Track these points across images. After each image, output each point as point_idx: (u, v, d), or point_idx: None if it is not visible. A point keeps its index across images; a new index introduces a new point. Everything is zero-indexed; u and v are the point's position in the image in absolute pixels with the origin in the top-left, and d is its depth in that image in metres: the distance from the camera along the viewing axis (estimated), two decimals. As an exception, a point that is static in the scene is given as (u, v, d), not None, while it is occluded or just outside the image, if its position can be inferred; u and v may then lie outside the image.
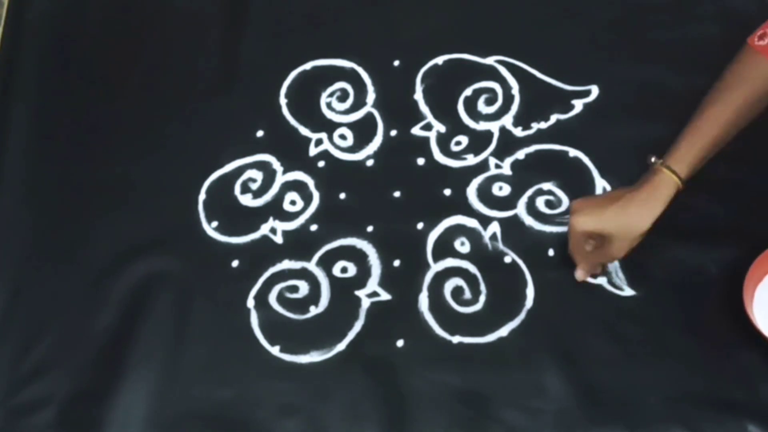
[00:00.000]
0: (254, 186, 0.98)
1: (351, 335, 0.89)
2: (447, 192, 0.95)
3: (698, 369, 0.84)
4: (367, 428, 0.85)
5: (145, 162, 1.00)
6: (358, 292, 0.91)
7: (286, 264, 0.93)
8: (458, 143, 0.98)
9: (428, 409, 0.85)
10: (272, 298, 0.91)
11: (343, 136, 1.00)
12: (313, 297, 0.91)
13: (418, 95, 1.01)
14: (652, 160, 0.83)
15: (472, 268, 0.91)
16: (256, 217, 0.96)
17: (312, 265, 0.92)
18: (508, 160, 0.96)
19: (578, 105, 0.98)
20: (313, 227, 0.95)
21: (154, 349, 0.89)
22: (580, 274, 0.87)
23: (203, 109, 1.03)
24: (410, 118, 1.00)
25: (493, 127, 0.98)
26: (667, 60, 0.98)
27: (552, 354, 0.86)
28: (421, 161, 0.97)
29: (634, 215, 0.81)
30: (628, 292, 0.88)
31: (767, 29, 0.82)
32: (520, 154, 0.96)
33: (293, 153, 0.99)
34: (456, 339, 0.87)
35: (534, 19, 1.04)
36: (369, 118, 1.00)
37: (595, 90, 0.98)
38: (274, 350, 0.89)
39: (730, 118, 0.82)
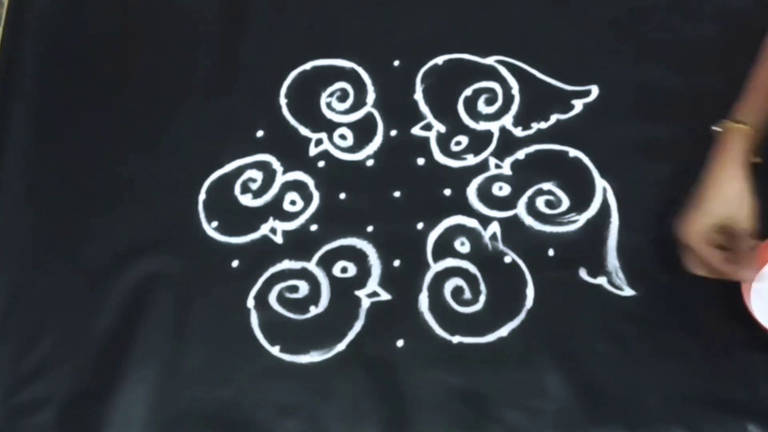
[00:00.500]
0: (254, 186, 0.98)
1: (351, 335, 0.89)
2: (447, 192, 0.95)
3: (698, 369, 0.84)
4: (367, 428, 0.85)
5: (145, 162, 1.00)
6: (358, 292, 0.91)
7: (286, 264, 0.93)
8: (458, 143, 0.98)
9: (428, 409, 0.85)
10: (272, 298, 0.91)
11: (343, 136, 1.00)
12: (313, 297, 0.91)
13: (418, 95, 1.01)
14: (716, 128, 0.82)
15: (472, 268, 0.91)
16: (256, 217, 0.96)
17: (312, 265, 0.92)
18: (508, 160, 0.96)
19: (578, 105, 0.98)
20: (313, 227, 0.95)
21: (154, 349, 0.89)
22: (744, 276, 0.79)
23: (203, 109, 1.03)
24: (410, 118, 1.00)
25: (493, 127, 0.98)
26: (667, 60, 0.98)
27: (552, 354, 0.86)
28: (421, 161, 0.97)
29: (726, 185, 0.79)
30: (628, 292, 0.88)
31: None
32: (520, 154, 0.96)
33: (293, 153, 0.99)
34: (456, 339, 0.87)
35: (534, 19, 1.04)
36: (369, 118, 1.00)
37: (595, 90, 0.98)
38: (274, 350, 0.89)
39: None
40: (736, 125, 0.81)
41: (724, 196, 0.79)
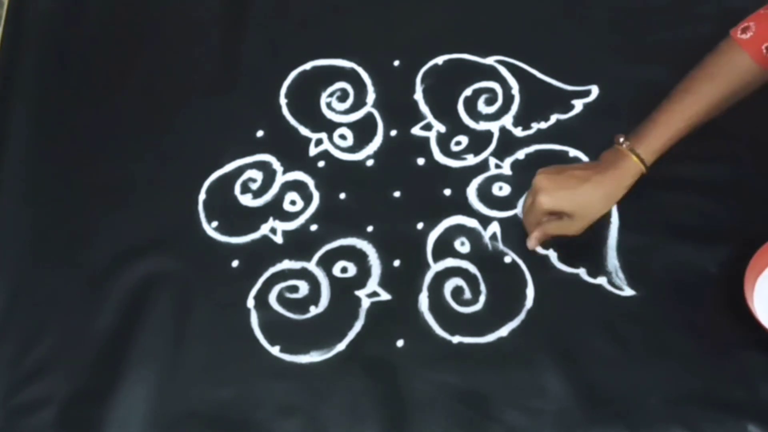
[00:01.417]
0: (254, 186, 0.98)
1: (351, 335, 0.89)
2: (447, 192, 0.95)
3: (698, 369, 0.84)
4: (367, 428, 0.85)
5: (145, 162, 1.00)
6: (358, 292, 0.91)
7: (286, 264, 0.93)
8: (458, 143, 0.98)
9: (428, 409, 0.85)
10: (272, 298, 0.91)
11: (343, 136, 1.00)
12: (313, 297, 0.91)
13: (418, 95, 1.01)
14: (621, 140, 0.85)
15: (472, 268, 0.91)
16: (256, 217, 0.96)
17: (312, 265, 0.92)
18: (508, 160, 0.96)
19: (578, 105, 0.98)
20: (313, 227, 0.95)
21: (154, 349, 0.89)
22: (533, 243, 0.88)
23: (203, 109, 1.03)
24: (410, 118, 1.00)
25: (493, 127, 0.98)
26: (667, 60, 0.98)
27: (552, 354, 0.86)
28: (421, 161, 0.97)
29: (598, 200, 0.84)
30: (628, 292, 0.88)
31: (750, 23, 0.83)
32: (520, 154, 0.96)
33: (293, 153, 0.99)
34: (456, 339, 0.87)
35: (534, 19, 1.04)
36: (369, 118, 1.00)
37: (595, 90, 0.98)
38: (274, 350, 0.89)
39: (702, 109, 0.83)
40: (636, 161, 0.84)
41: (591, 209, 0.85)
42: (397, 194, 0.96)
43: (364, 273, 0.92)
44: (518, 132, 0.97)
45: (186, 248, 0.94)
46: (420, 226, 0.93)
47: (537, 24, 1.03)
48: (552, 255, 0.90)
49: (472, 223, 0.93)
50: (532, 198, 0.85)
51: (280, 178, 0.98)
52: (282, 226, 0.95)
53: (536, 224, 0.87)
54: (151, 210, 0.97)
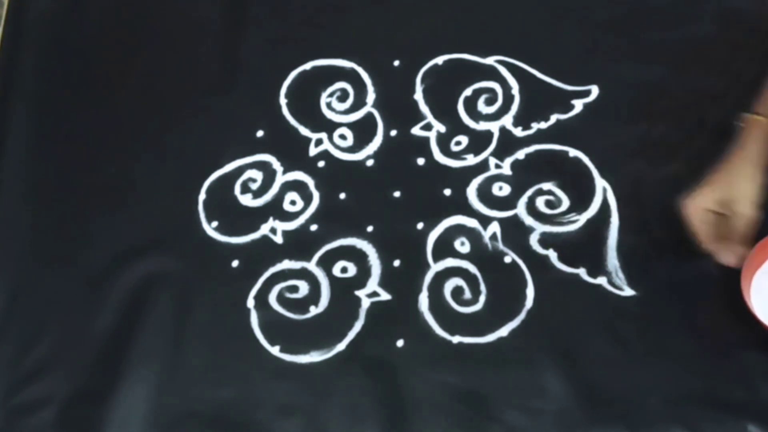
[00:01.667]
0: (254, 186, 0.98)
1: (351, 335, 0.89)
2: (447, 192, 0.95)
3: (698, 369, 0.84)
4: (367, 428, 0.85)
5: (145, 162, 1.00)
6: (358, 292, 0.91)
7: (286, 264, 0.93)
8: (458, 143, 0.98)
9: (428, 409, 0.85)
10: (272, 298, 0.91)
11: (343, 136, 1.00)
12: (313, 297, 0.91)
13: (418, 95, 1.01)
14: (738, 122, 0.84)
15: (472, 268, 0.91)
16: (256, 217, 0.96)
17: (312, 265, 0.93)
18: (508, 160, 0.96)
19: (578, 105, 0.98)
20: (313, 227, 0.95)
21: (154, 349, 0.89)
22: (727, 258, 0.82)
23: (203, 109, 1.03)
24: (410, 118, 1.00)
25: (493, 127, 0.98)
26: (667, 60, 0.98)
27: (552, 354, 0.86)
28: (421, 161, 0.97)
29: (737, 167, 0.83)
30: (628, 292, 0.88)
31: None
32: (520, 154, 0.96)
33: (293, 153, 0.99)
34: (456, 339, 0.87)
35: (534, 19, 1.04)
36: (369, 118, 1.00)
37: (595, 90, 0.98)
38: (274, 350, 0.89)
39: None
40: (758, 117, 0.83)
41: (731, 178, 0.82)
42: (397, 194, 0.96)
43: (364, 273, 0.92)
44: (518, 132, 0.97)
45: (186, 248, 0.94)
46: (420, 226, 0.93)
47: (537, 24, 1.03)
48: (552, 255, 0.90)
49: (472, 223, 0.93)
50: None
51: (280, 178, 0.98)
52: (282, 226, 0.95)
53: (710, 236, 0.82)
54: (151, 210, 0.97)
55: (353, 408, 0.86)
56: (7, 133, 1.03)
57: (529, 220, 0.92)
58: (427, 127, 0.99)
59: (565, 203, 0.93)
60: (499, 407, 0.84)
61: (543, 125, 0.97)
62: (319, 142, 1.00)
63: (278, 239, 0.95)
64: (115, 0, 1.11)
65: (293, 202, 0.96)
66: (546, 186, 0.94)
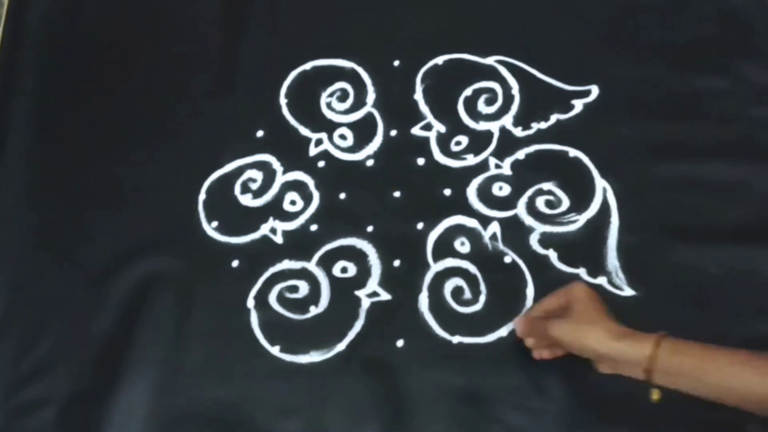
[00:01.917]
0: (254, 186, 0.98)
1: (351, 335, 0.89)
2: (447, 192, 0.95)
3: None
4: (367, 428, 0.85)
5: (145, 162, 1.00)
6: (358, 292, 0.91)
7: (286, 264, 0.93)
8: (458, 143, 0.98)
9: (428, 409, 0.85)
10: (272, 298, 0.91)
11: (343, 136, 1.00)
12: (313, 297, 0.91)
13: (418, 95, 1.01)
14: (660, 333, 0.74)
15: (472, 268, 0.91)
16: (256, 217, 0.96)
17: (312, 265, 0.92)
18: (508, 160, 0.96)
19: (578, 105, 0.98)
20: (313, 227, 0.95)
21: (154, 349, 0.89)
22: (541, 354, 0.82)
23: (203, 109, 1.03)
24: (410, 118, 1.00)
25: (493, 127, 0.98)
26: (667, 60, 0.98)
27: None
28: (421, 161, 0.97)
29: (593, 349, 0.76)
30: (628, 292, 0.88)
31: None
32: (520, 154, 0.96)
33: (293, 153, 0.99)
34: (456, 339, 0.87)
35: (534, 19, 1.04)
36: (369, 118, 1.00)
37: (595, 90, 0.98)
38: (274, 350, 0.89)
39: (740, 393, 0.71)
40: (649, 357, 0.72)
41: (582, 351, 0.76)
42: (397, 194, 0.96)
43: (364, 273, 0.92)
44: (518, 132, 0.97)
45: (186, 248, 0.94)
46: (420, 226, 0.93)
47: (537, 24, 1.03)
48: (552, 255, 0.90)
49: (472, 223, 0.93)
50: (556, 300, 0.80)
51: (280, 178, 0.98)
52: (282, 226, 0.95)
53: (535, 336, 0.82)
54: (151, 210, 0.97)
55: (353, 408, 0.85)
56: (7, 133, 1.03)
57: (529, 220, 0.92)
58: (427, 127, 0.99)
59: (565, 203, 0.93)
60: (499, 407, 0.84)
61: (543, 125, 0.97)
62: (319, 142, 1.00)
63: (278, 239, 0.95)
64: (115, 0, 1.12)
65: (293, 202, 0.96)
66: (546, 186, 0.94)
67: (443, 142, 0.98)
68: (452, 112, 0.99)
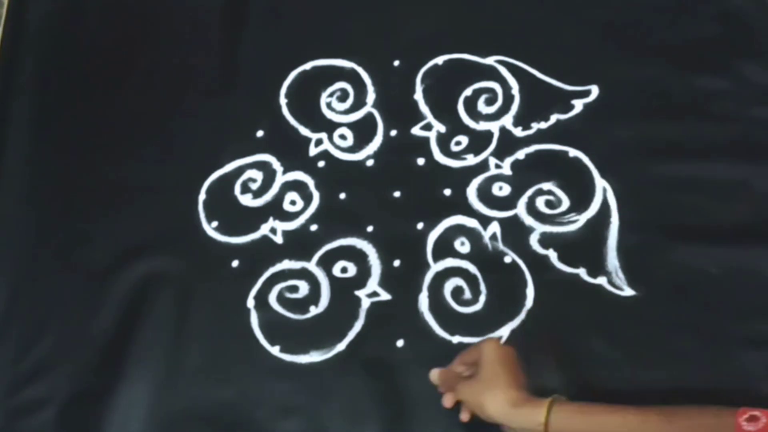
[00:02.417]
0: (254, 186, 0.98)
1: (351, 335, 0.89)
2: (447, 192, 0.95)
3: (698, 369, 0.84)
4: (367, 428, 0.85)
5: (145, 162, 1.00)
6: (358, 292, 0.91)
7: (286, 264, 0.93)
8: (458, 143, 0.98)
9: (428, 409, 0.84)
10: (272, 298, 0.91)
11: (343, 136, 1.00)
12: (313, 297, 0.91)
13: (418, 95, 1.01)
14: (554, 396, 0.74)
15: (472, 268, 0.91)
16: (256, 217, 0.96)
17: (312, 265, 0.92)
18: (508, 160, 0.96)
19: (578, 105, 0.98)
20: (313, 227, 0.95)
21: (154, 349, 0.89)
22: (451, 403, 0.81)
23: (203, 109, 1.03)
24: (410, 118, 1.00)
25: (493, 127, 0.98)
26: (667, 60, 0.98)
27: (552, 354, 0.86)
28: (421, 161, 0.97)
29: (489, 416, 0.75)
30: (628, 292, 0.88)
31: (761, 415, 0.62)
32: (520, 154, 0.96)
33: (293, 153, 0.99)
34: (456, 339, 0.87)
35: (534, 19, 1.04)
36: (369, 118, 1.00)
37: (595, 90, 0.98)
38: (274, 350, 0.89)
39: None
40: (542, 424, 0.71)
41: (482, 413, 0.75)
42: (397, 194, 0.96)
43: (364, 273, 0.92)
44: (518, 132, 0.97)
45: (186, 248, 0.94)
46: (420, 226, 0.93)
47: (537, 24, 1.03)
48: (552, 255, 0.90)
49: (472, 223, 0.93)
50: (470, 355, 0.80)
51: (280, 178, 0.98)
52: (282, 226, 0.95)
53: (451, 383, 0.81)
54: (152, 210, 0.97)
55: (353, 408, 0.85)
56: (8, 133, 1.03)
57: (529, 220, 0.92)
58: (427, 127, 0.99)
59: (565, 203, 0.93)
60: (499, 407, 0.84)
61: (543, 125, 0.97)
62: (319, 142, 1.00)
63: (278, 239, 0.95)
64: (115, 0, 1.12)
65: (293, 202, 0.96)
66: (546, 186, 0.94)
67: (443, 142, 0.98)
68: (452, 112, 0.99)
